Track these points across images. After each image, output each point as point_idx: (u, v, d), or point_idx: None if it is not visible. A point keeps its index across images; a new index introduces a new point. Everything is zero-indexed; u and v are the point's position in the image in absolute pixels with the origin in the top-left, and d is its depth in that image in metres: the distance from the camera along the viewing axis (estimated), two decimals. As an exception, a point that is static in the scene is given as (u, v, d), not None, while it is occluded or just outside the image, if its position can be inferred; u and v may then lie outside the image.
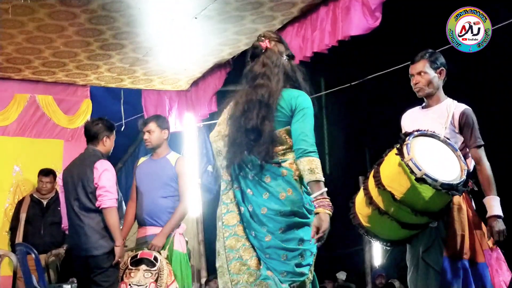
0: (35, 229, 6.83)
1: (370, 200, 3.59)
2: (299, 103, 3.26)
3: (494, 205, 3.60)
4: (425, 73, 3.89)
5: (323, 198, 3.15)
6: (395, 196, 3.46)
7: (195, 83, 8.03)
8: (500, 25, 5.49)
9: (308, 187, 3.20)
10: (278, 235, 3.16)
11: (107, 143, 5.18)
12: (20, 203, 7.09)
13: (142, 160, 5.38)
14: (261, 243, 3.17)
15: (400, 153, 3.46)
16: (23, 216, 6.91)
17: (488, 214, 3.63)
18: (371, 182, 3.61)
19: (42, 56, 6.86)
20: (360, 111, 12.72)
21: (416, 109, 4.06)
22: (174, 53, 6.90)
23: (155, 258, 4.79)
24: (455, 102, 3.91)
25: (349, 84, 7.55)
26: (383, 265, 12.95)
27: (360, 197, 3.73)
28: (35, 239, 6.69)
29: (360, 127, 13.15)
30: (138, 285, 4.70)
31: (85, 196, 4.98)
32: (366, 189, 3.65)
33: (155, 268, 4.75)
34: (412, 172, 3.38)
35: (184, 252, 5.15)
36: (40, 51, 6.70)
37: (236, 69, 7.27)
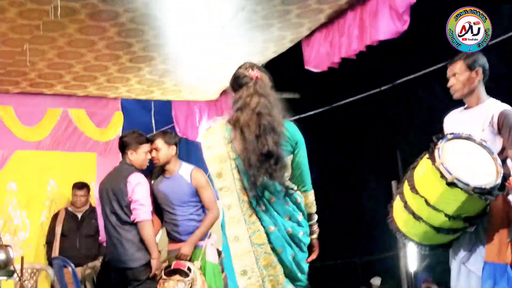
0: (70, 242, 6.89)
1: (405, 205, 3.58)
2: (300, 137, 3.52)
3: None
4: (459, 74, 3.84)
5: (317, 227, 3.65)
6: (428, 201, 3.44)
7: (224, 92, 8.05)
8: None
9: (308, 216, 3.62)
10: (297, 252, 3.48)
11: (133, 156, 5.17)
12: (55, 217, 7.17)
13: (156, 179, 5.28)
14: (288, 259, 3.43)
15: (431, 157, 3.44)
16: (58, 229, 6.98)
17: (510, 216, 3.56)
18: (405, 186, 3.60)
19: (73, 71, 6.94)
20: (391, 115, 12.64)
21: (458, 110, 3.99)
22: (203, 63, 6.93)
23: (189, 269, 4.81)
24: (498, 102, 3.82)
25: (379, 89, 7.52)
26: (426, 268, 12.79)
27: (397, 202, 3.72)
28: (70, 252, 6.75)
29: (392, 131, 13.07)
30: None
31: (121, 209, 5.02)
32: (401, 194, 3.65)
33: (188, 278, 4.77)
34: (442, 176, 3.36)
35: (217, 263, 5.16)
36: (71, 66, 6.77)
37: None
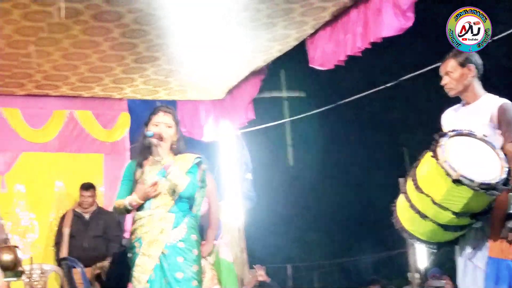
0: (78, 243, 6.92)
1: (410, 204, 3.57)
2: None
3: None
4: (452, 72, 3.85)
5: None
6: (434, 199, 3.43)
7: (230, 91, 8.04)
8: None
9: None
10: None
11: None
12: (63, 218, 7.19)
13: None
14: None
15: (435, 155, 3.44)
16: (66, 230, 7.00)
17: (507, 211, 3.55)
18: (409, 185, 3.59)
19: (79, 72, 6.95)
20: (396, 112, 12.66)
21: (456, 107, 4.00)
22: (208, 63, 6.93)
23: None
24: (496, 97, 3.82)
25: (384, 86, 7.51)
26: (435, 264, 12.75)
27: (400, 201, 3.72)
28: (79, 253, 6.79)
29: (397, 127, 13.08)
30: None
31: None
32: (405, 193, 3.64)
33: None
34: (448, 174, 3.36)
35: (231, 261, 5.23)
36: (76, 67, 6.79)
37: (270, 76, 7.29)
